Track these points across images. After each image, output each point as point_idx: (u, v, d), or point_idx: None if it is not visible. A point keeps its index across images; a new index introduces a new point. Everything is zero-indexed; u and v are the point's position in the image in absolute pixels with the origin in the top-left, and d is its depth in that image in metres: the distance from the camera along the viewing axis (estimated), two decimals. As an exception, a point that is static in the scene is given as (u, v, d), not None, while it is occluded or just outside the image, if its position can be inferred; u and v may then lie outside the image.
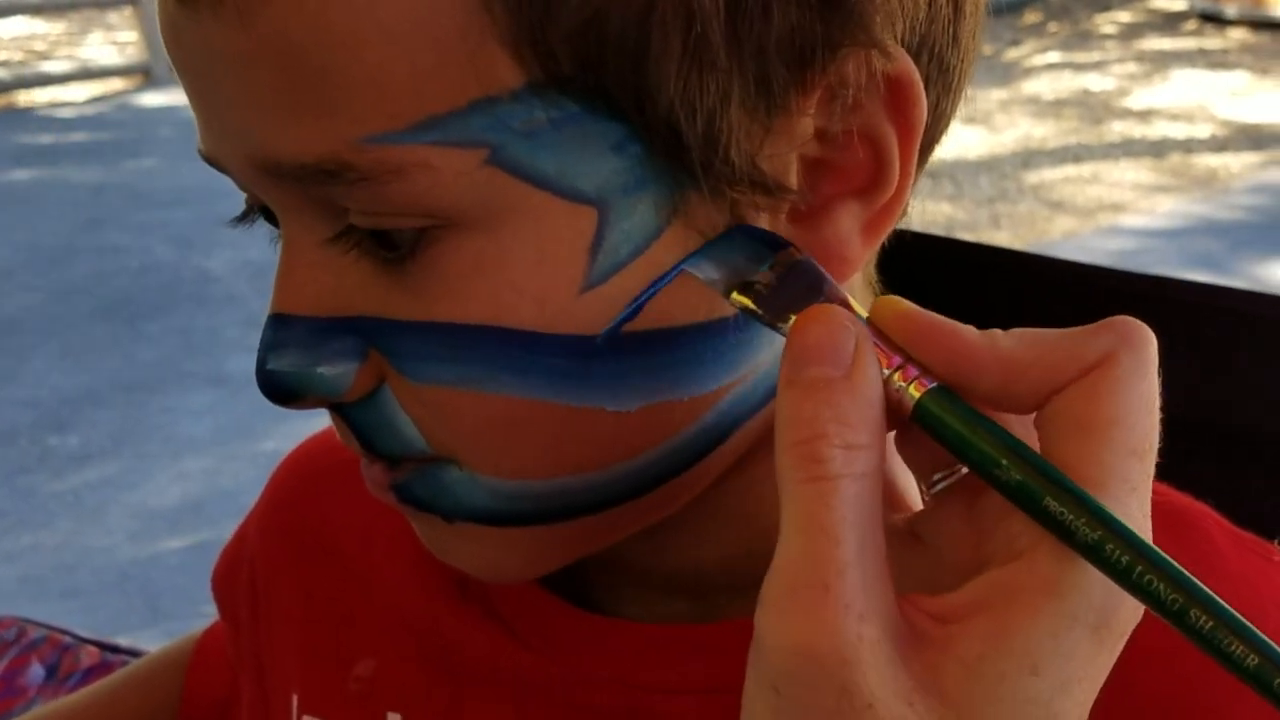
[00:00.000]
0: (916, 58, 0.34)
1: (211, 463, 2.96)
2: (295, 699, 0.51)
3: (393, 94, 0.30)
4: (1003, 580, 0.27)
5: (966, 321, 0.29)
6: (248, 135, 0.32)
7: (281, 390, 0.35)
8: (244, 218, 0.39)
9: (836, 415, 0.27)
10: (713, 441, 0.37)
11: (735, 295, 0.32)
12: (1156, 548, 0.26)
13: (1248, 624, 0.26)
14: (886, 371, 0.29)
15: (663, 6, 0.30)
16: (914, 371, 0.29)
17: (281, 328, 0.35)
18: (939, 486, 0.31)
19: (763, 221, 0.34)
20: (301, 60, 0.30)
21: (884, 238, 0.36)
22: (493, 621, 0.46)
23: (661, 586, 0.44)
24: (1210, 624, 0.25)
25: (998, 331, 0.29)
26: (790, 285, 0.32)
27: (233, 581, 0.59)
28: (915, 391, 0.28)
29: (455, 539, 0.38)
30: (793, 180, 0.33)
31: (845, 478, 0.27)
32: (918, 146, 0.34)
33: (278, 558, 0.56)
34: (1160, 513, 0.40)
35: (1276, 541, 0.40)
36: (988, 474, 0.27)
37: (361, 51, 0.30)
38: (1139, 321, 0.28)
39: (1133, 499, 0.27)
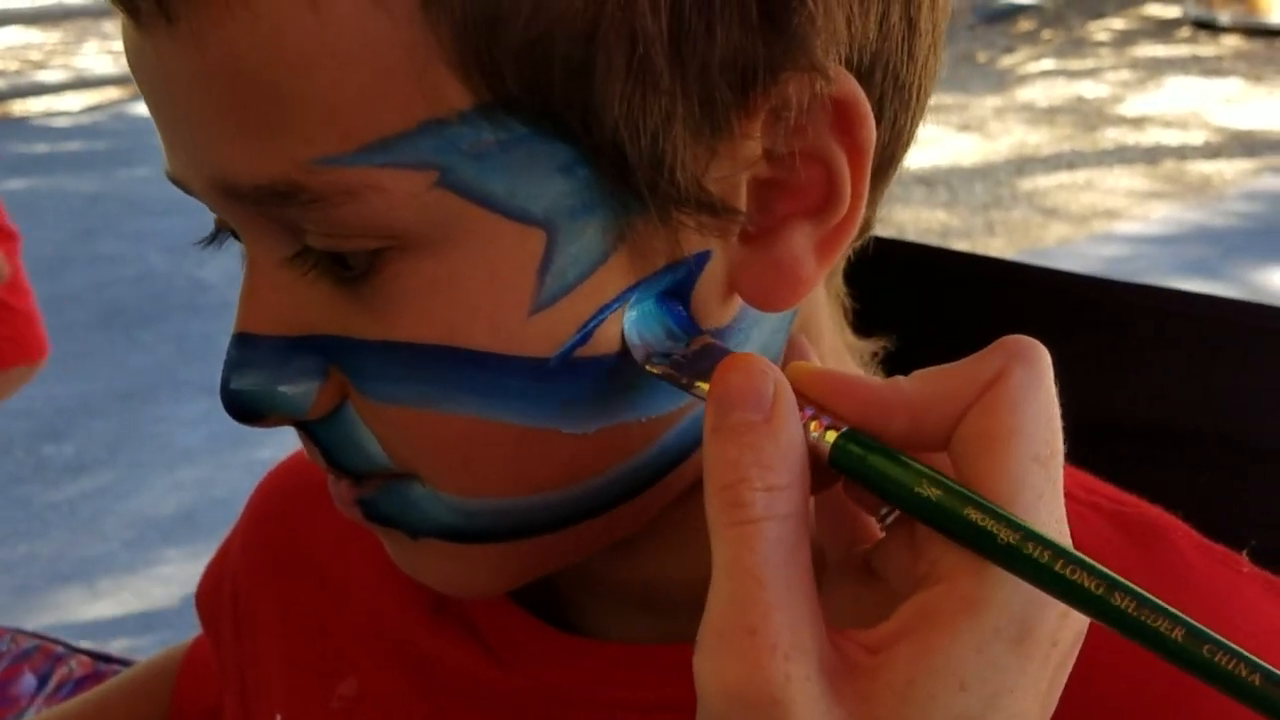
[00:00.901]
0: (869, 77, 0.34)
1: (206, 471, 2.97)
2: (278, 718, 0.51)
3: (342, 116, 0.30)
4: (925, 603, 0.28)
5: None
6: (206, 157, 0.33)
7: (245, 409, 0.36)
8: (212, 239, 0.39)
9: (758, 459, 0.28)
10: (672, 461, 0.37)
11: (649, 366, 0.33)
12: (1072, 549, 0.27)
13: (1167, 606, 0.26)
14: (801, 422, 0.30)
15: (606, 27, 0.30)
16: (827, 420, 0.30)
17: (245, 347, 0.35)
18: (887, 521, 0.32)
19: (714, 244, 0.34)
20: (254, 81, 0.30)
21: (839, 258, 0.36)
22: (467, 636, 0.47)
23: (634, 603, 0.44)
24: (1133, 605, 0.26)
25: (899, 377, 0.30)
26: (704, 358, 0.33)
27: (216, 598, 0.59)
28: (830, 437, 0.29)
29: (421, 555, 0.39)
30: (741, 202, 0.33)
31: (768, 520, 0.27)
32: (869, 167, 0.34)
33: (259, 571, 0.56)
34: (1130, 524, 0.40)
35: (1245, 552, 0.40)
36: (905, 501, 0.28)
37: (312, 73, 0.30)
38: (1029, 338, 0.29)
39: (1041, 505, 0.28)
